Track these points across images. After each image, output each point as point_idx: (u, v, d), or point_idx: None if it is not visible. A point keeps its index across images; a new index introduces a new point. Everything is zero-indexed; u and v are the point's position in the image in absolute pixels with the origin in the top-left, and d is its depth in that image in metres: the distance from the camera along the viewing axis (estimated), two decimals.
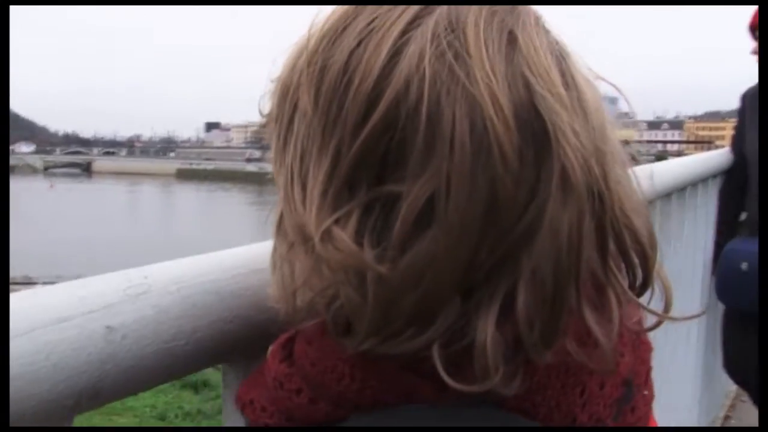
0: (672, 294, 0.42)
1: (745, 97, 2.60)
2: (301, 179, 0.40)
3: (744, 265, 2.36)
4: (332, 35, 0.40)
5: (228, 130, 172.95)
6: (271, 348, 0.45)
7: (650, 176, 1.44)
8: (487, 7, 0.38)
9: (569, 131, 0.36)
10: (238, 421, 0.57)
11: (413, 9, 0.38)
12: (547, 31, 0.39)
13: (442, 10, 0.38)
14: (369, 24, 0.39)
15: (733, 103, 2.70)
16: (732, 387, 3.39)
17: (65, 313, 0.42)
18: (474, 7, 0.38)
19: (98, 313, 0.44)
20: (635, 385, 0.41)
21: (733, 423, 3.28)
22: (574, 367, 0.38)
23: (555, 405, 0.38)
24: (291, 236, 0.40)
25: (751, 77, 2.51)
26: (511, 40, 0.37)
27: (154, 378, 0.47)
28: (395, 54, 0.37)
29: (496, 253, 0.36)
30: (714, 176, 2.56)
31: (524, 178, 0.36)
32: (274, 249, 0.43)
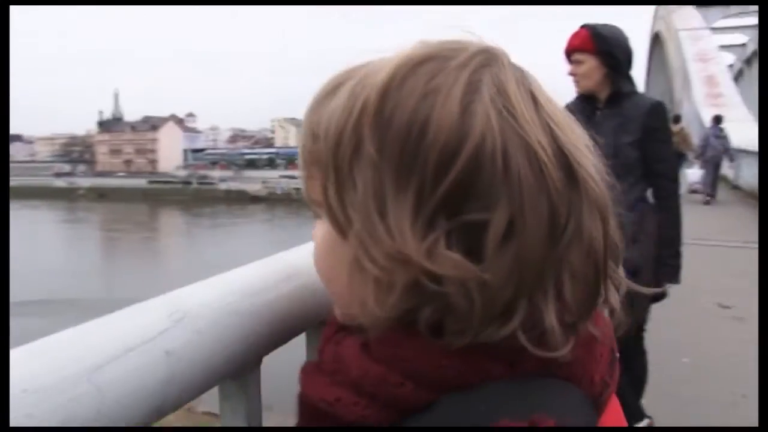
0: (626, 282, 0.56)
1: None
2: (381, 215, 0.48)
3: None
4: (391, 90, 0.49)
5: (31, 142, 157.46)
6: (341, 352, 0.52)
7: None
8: (512, 73, 0.51)
9: (586, 165, 0.50)
10: None
11: (464, 76, 0.49)
12: (544, 90, 0.53)
13: (486, 77, 0.49)
14: (429, 81, 0.49)
15: None
16: None
17: (130, 343, 0.49)
18: (508, 73, 0.50)
19: (156, 340, 0.50)
20: (615, 350, 0.57)
21: None
22: (590, 340, 0.52)
23: (584, 372, 0.52)
24: (382, 262, 0.48)
25: (569, 93, 2.90)
26: (533, 98, 0.50)
27: (198, 391, 0.54)
28: (464, 111, 0.48)
29: (553, 257, 0.48)
30: None
31: (565, 200, 0.48)
32: (351, 272, 0.51)
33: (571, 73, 2.78)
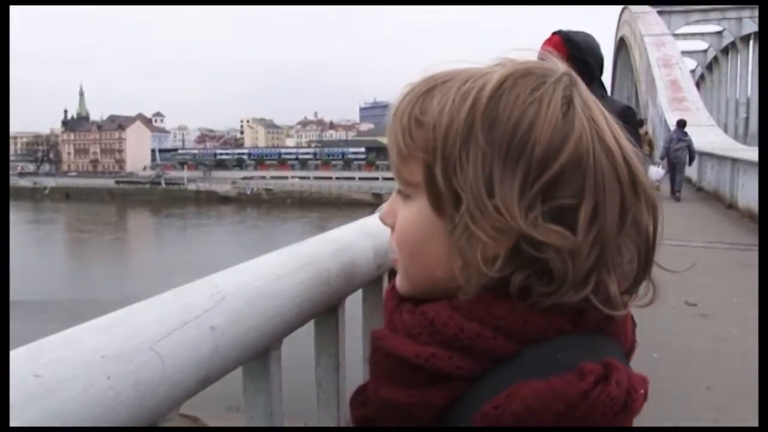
0: None
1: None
2: (489, 195, 0.58)
3: None
4: (501, 91, 0.59)
5: None
6: (432, 312, 0.60)
7: None
8: (586, 91, 0.63)
9: (640, 170, 0.62)
10: (261, 410, 0.70)
11: (560, 89, 0.60)
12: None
13: (575, 92, 0.61)
14: (534, 91, 0.60)
15: None
16: None
17: (183, 319, 0.54)
18: (584, 88, 0.62)
19: (203, 317, 0.56)
20: (632, 319, 0.71)
21: None
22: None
23: (622, 331, 0.64)
24: (491, 233, 0.58)
25: None
26: (603, 114, 0.62)
27: (237, 363, 0.60)
28: (565, 116, 0.59)
29: (621, 237, 0.60)
30: None
31: (630, 191, 0.60)
32: (462, 242, 0.60)
33: None
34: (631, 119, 2.84)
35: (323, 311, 0.76)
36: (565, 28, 2.96)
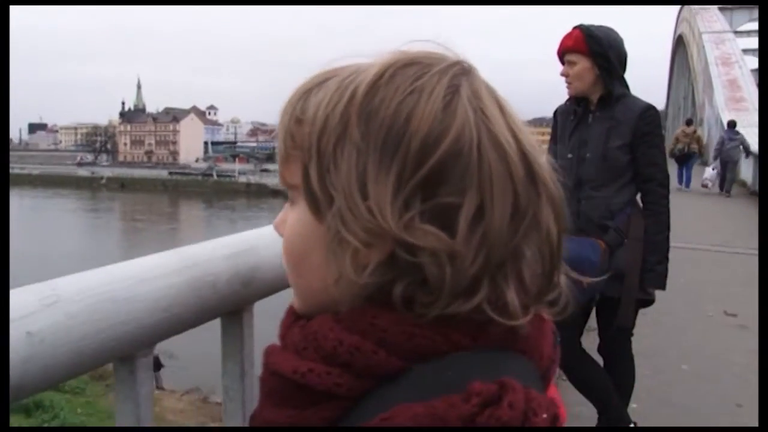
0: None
1: (556, 113, 2.97)
2: (362, 195, 0.53)
3: None
4: (379, 82, 0.55)
5: (55, 131, 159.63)
6: (315, 327, 0.55)
7: None
8: (481, 82, 0.58)
9: (542, 164, 0.57)
10: (130, 416, 0.66)
11: (446, 79, 0.55)
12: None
13: (464, 82, 0.56)
14: (415, 81, 0.55)
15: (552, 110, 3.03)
16: None
17: None
18: (478, 78, 0.58)
19: (19, 322, 0.52)
20: (554, 331, 0.63)
21: None
22: (540, 320, 0.58)
23: (535, 347, 0.58)
24: (362, 236, 0.53)
25: (559, 91, 2.89)
26: (499, 106, 0.57)
27: (67, 373, 0.56)
28: (446, 107, 0.54)
29: (515, 240, 0.54)
30: None
31: (527, 191, 0.55)
32: (333, 247, 0.55)
33: (564, 74, 2.76)
34: (652, 118, 2.70)
35: (207, 317, 0.72)
36: (614, 25, 2.85)
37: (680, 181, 15.50)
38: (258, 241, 0.82)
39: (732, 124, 16.35)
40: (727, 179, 15.04)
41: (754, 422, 3.42)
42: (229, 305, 0.75)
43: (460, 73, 0.57)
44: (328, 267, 0.55)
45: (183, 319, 0.67)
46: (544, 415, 0.49)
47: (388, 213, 0.52)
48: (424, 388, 0.51)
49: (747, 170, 17.07)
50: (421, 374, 0.52)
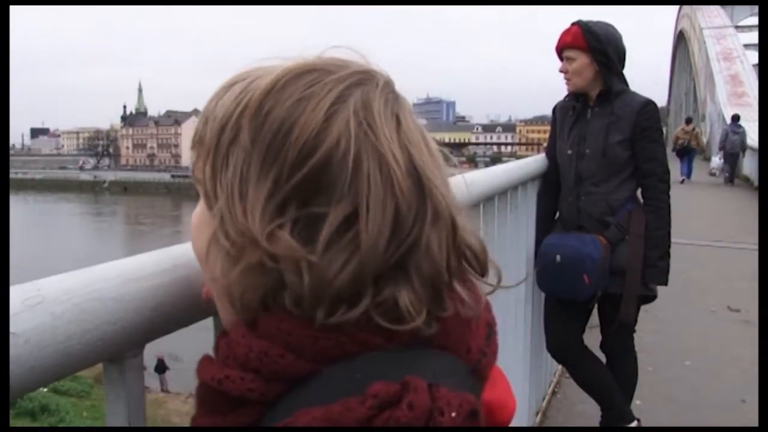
0: (501, 272, 0.64)
1: (555, 110, 2.97)
2: (241, 196, 0.55)
3: (558, 257, 2.68)
4: (274, 92, 0.57)
5: (57, 136, 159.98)
6: (231, 336, 0.57)
7: (465, 185, 1.67)
8: (384, 95, 0.58)
9: (436, 182, 0.57)
10: (120, 417, 0.66)
11: (339, 88, 0.56)
12: (413, 115, 0.61)
13: (357, 92, 0.57)
14: (306, 89, 0.56)
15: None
16: (557, 366, 3.79)
17: None
18: (377, 94, 0.58)
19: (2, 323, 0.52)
20: (492, 326, 0.65)
21: (559, 397, 3.68)
22: (463, 318, 0.59)
23: (460, 341, 0.59)
24: (233, 237, 0.55)
25: (561, 89, 2.88)
26: (397, 120, 0.58)
27: (54, 374, 0.56)
28: (329, 118, 0.55)
29: (397, 254, 0.54)
30: (533, 180, 2.88)
31: (412, 207, 0.55)
32: (209, 246, 0.58)
33: (562, 71, 2.75)
34: (651, 114, 2.69)
35: (199, 316, 0.71)
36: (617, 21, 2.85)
37: (682, 173, 16.88)
38: None
39: (736, 118, 17.53)
40: (732, 170, 16.56)
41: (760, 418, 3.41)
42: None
43: (358, 83, 0.58)
44: (206, 266, 0.59)
45: (173, 319, 0.67)
46: (453, 414, 0.49)
47: (257, 217, 0.54)
48: (331, 390, 0.51)
49: (748, 164, 17.15)
50: (330, 376, 0.53)
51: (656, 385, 3.67)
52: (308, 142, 0.54)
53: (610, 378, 2.84)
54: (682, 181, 16.39)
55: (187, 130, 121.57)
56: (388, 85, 0.60)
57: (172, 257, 0.69)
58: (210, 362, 0.57)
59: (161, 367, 18.05)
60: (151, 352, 16.45)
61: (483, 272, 0.63)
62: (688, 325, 4.93)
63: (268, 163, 0.55)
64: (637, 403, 3.14)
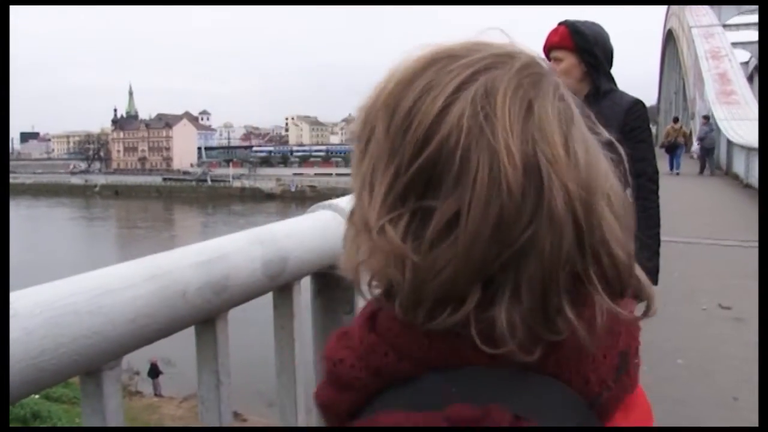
0: (652, 297, 0.59)
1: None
2: (370, 186, 0.55)
3: None
4: (404, 83, 0.56)
5: (48, 140, 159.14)
6: (356, 320, 0.59)
7: None
8: (517, 79, 0.54)
9: (558, 181, 0.51)
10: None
11: (463, 75, 0.54)
12: (562, 100, 0.55)
13: (483, 79, 0.53)
14: (430, 81, 0.54)
15: None
16: None
17: None
18: (506, 79, 0.53)
19: None
20: (630, 355, 0.57)
21: None
22: (580, 342, 0.53)
23: (575, 371, 0.53)
24: (358, 225, 0.56)
25: None
26: (529, 108, 0.53)
27: (26, 390, 0.54)
28: (443, 109, 0.53)
29: (502, 259, 0.50)
30: None
31: (524, 209, 0.50)
32: (346, 231, 0.60)
33: None
34: (639, 113, 2.69)
35: (178, 327, 0.70)
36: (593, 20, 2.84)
37: (671, 167, 19.08)
38: (230, 248, 0.80)
39: (707, 118, 21.49)
40: (708, 164, 19.43)
41: (752, 415, 3.41)
42: (202, 314, 0.74)
43: (485, 68, 0.54)
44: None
45: (152, 330, 0.66)
46: None
47: (377, 208, 0.54)
48: (422, 398, 0.51)
49: (738, 161, 17.42)
50: (427, 383, 0.52)
51: (648, 384, 3.61)
52: (423, 135, 0.53)
53: None
54: (674, 173, 18.61)
55: (178, 133, 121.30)
56: (528, 67, 0.55)
57: (151, 267, 0.68)
58: (337, 339, 0.58)
59: (155, 372, 17.95)
60: (144, 356, 16.35)
61: (622, 290, 0.57)
62: (680, 324, 4.94)
63: (392, 156, 0.54)
64: None
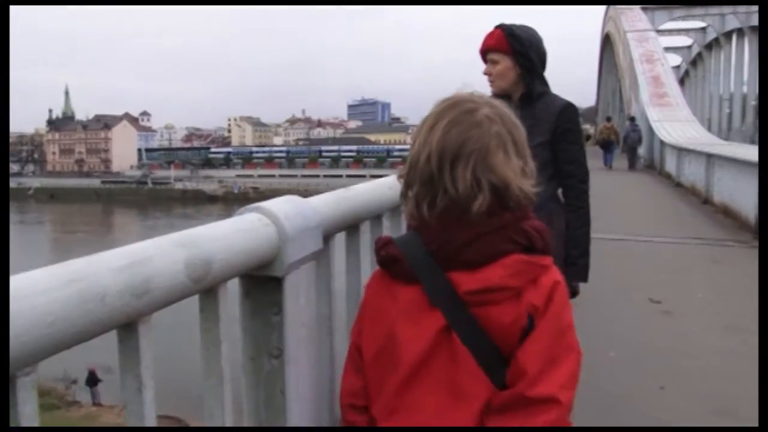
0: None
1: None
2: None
3: None
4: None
5: None
6: None
7: (389, 187, 1.68)
8: (453, 114, 1.27)
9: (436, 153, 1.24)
10: None
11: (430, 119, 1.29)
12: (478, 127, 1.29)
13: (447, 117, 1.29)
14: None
15: None
16: None
17: None
18: (449, 116, 1.27)
19: None
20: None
21: None
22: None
23: (427, 232, 1.21)
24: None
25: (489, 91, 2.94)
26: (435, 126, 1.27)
27: None
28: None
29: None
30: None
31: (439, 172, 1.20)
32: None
33: (487, 73, 2.80)
34: (571, 116, 2.77)
35: (98, 330, 0.71)
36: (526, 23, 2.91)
37: (605, 162, 21.84)
38: (152, 252, 0.81)
39: (632, 119, 23.96)
40: (634, 158, 21.72)
41: (678, 402, 3.57)
42: (122, 318, 0.74)
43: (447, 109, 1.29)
44: None
45: (69, 335, 0.66)
46: (382, 252, 1.22)
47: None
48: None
49: (669, 161, 18.12)
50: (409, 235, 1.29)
51: (582, 377, 3.78)
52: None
53: None
54: (607, 167, 21.29)
55: (118, 135, 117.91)
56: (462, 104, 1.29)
57: (69, 272, 0.69)
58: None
59: (93, 380, 17.44)
60: (82, 363, 15.84)
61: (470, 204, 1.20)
62: (613, 319, 5.12)
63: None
64: None
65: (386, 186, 1.71)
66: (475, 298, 1.15)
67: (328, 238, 1.31)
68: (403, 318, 1.15)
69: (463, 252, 1.14)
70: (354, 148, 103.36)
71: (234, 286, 1.09)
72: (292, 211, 1.10)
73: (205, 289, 0.91)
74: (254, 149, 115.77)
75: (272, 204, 1.10)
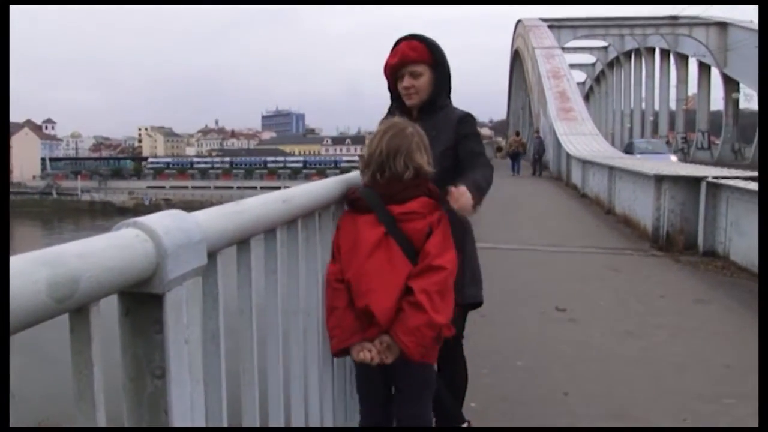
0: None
1: (382, 122, 3.01)
2: None
3: None
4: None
5: None
6: None
7: (284, 200, 1.64)
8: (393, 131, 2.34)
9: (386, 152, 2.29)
10: None
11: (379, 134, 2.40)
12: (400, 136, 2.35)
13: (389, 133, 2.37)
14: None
15: None
16: None
17: None
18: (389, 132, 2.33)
19: None
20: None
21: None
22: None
23: (379, 186, 2.25)
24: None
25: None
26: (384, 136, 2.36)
27: None
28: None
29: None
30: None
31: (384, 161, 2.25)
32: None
33: (408, 86, 2.72)
34: (470, 123, 2.75)
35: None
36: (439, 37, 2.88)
37: (512, 170, 25.51)
38: (14, 270, 0.75)
39: (537, 132, 27.86)
40: (538, 167, 25.38)
41: (580, 408, 3.68)
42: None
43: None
44: None
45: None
46: (353, 194, 2.27)
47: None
48: None
49: (576, 176, 18.75)
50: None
51: (490, 387, 3.85)
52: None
53: (441, 385, 2.92)
54: (515, 175, 24.69)
55: (19, 143, 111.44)
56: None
57: None
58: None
59: None
60: None
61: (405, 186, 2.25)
62: (520, 327, 5.25)
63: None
64: (471, 405, 3.27)
65: (280, 200, 1.64)
66: (403, 217, 2.16)
67: (214, 253, 1.26)
68: (363, 229, 2.14)
69: (397, 195, 2.19)
70: (300, 158, 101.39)
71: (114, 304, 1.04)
72: (172, 226, 1.05)
73: (72, 309, 0.85)
74: (195, 159, 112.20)
75: (151, 219, 1.05)
